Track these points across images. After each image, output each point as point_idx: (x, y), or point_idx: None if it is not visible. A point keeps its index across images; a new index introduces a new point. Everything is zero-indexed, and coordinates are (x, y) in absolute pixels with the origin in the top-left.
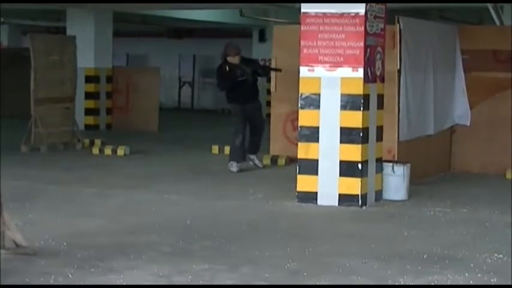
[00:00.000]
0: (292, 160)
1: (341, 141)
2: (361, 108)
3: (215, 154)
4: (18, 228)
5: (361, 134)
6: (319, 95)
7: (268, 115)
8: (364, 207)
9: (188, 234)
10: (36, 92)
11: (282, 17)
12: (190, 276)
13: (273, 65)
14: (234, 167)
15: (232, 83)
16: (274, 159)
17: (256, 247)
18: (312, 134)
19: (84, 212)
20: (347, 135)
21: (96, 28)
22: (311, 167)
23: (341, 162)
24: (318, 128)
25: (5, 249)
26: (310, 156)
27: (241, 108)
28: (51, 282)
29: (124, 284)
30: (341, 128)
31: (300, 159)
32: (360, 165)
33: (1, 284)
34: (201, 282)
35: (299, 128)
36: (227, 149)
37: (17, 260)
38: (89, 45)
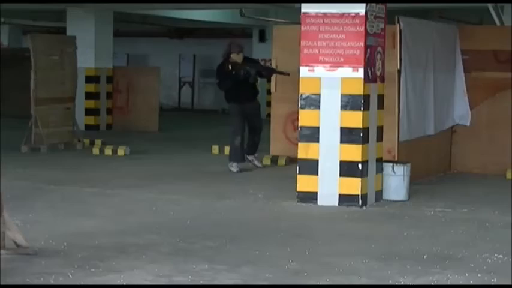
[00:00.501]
0: (293, 160)
1: (341, 141)
2: (362, 108)
3: (215, 154)
4: (19, 229)
5: (361, 134)
6: (319, 95)
7: (269, 115)
8: (364, 208)
9: (188, 234)
10: (37, 92)
11: (282, 17)
12: (190, 276)
13: (273, 65)
14: (234, 167)
15: (233, 83)
16: (274, 159)
17: (256, 247)
18: (312, 134)
19: (85, 212)
20: (347, 135)
21: (96, 28)
22: (311, 167)
23: (341, 162)
24: (318, 128)
25: (5, 249)
26: (310, 156)
27: (241, 108)
28: (52, 282)
29: (124, 284)
30: (341, 128)
31: (300, 159)
32: (360, 166)
33: (1, 284)
34: (201, 282)
35: (299, 128)
36: (227, 149)
37: (17, 260)
38: (89, 45)
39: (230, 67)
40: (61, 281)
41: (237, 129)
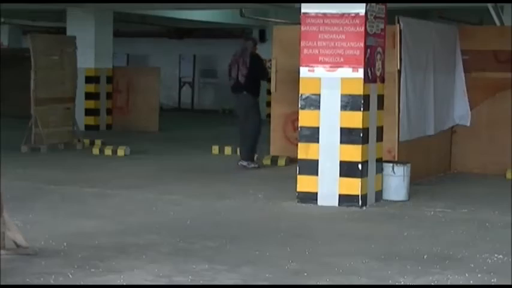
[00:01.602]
0: (293, 160)
1: (341, 142)
2: (362, 109)
3: (215, 154)
4: (19, 229)
5: (361, 135)
6: (319, 95)
7: (269, 115)
8: (364, 208)
9: (188, 234)
10: (37, 92)
11: (282, 17)
12: (190, 276)
13: (273, 66)
14: (254, 164)
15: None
16: (274, 160)
17: (256, 247)
18: (312, 134)
19: (85, 212)
20: (347, 135)
21: (96, 28)
22: (311, 167)
23: (341, 162)
24: (318, 128)
25: (5, 249)
26: (310, 157)
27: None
28: (52, 282)
29: (124, 284)
30: (341, 129)
31: (300, 159)
32: (360, 166)
33: (1, 284)
34: (201, 282)
35: (299, 129)
36: (227, 149)
37: (17, 260)
38: (89, 45)
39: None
40: (61, 281)
41: (260, 126)
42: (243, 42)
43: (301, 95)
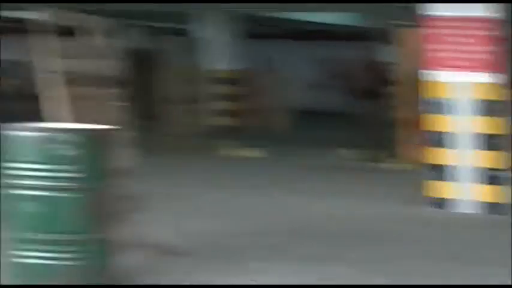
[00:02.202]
0: (419, 165)
1: (475, 148)
2: (496, 115)
3: (344, 157)
4: (160, 228)
5: (498, 141)
6: (447, 99)
7: (394, 120)
8: (505, 216)
9: (318, 236)
10: (168, 93)
11: (406, 20)
12: (319, 278)
13: (397, 69)
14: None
15: None
16: (400, 164)
17: (393, 254)
18: (441, 139)
19: (210, 213)
20: (482, 141)
21: (227, 31)
22: (441, 172)
23: (476, 169)
24: (447, 133)
25: (149, 249)
26: (440, 162)
27: None
28: (190, 282)
29: (256, 284)
30: (474, 134)
31: (429, 164)
32: (499, 173)
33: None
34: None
35: (428, 133)
36: (354, 153)
37: (159, 260)
38: (222, 47)
39: None
40: (199, 281)
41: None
42: (363, 48)
43: (427, 99)
